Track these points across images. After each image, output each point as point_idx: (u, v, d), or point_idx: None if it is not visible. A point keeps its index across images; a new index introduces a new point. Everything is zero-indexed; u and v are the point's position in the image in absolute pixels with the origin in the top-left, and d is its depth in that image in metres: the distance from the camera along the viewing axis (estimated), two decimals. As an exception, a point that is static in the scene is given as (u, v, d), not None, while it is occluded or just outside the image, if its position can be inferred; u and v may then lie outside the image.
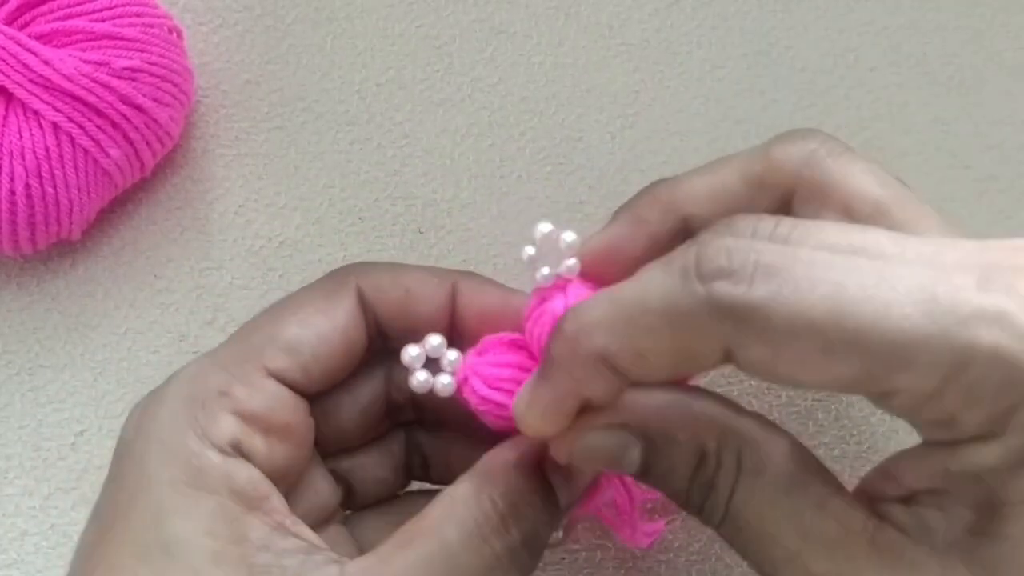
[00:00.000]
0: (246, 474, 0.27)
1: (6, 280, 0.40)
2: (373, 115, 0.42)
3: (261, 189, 0.41)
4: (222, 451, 0.26)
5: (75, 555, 0.28)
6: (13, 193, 0.36)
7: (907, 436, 0.37)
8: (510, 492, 0.27)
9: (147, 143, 0.39)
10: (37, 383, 0.39)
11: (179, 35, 0.41)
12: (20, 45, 0.36)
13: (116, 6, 0.38)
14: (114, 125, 0.37)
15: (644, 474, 0.26)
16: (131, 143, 0.38)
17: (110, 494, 0.27)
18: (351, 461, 0.32)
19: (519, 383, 0.27)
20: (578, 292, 0.28)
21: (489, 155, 0.42)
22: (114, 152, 0.38)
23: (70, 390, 0.39)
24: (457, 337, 0.29)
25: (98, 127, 0.37)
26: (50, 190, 0.37)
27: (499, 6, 0.44)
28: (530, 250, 0.27)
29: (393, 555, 0.26)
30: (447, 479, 0.28)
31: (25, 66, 0.36)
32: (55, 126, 0.36)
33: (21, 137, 0.36)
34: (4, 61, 0.36)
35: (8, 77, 0.36)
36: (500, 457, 0.27)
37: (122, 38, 0.38)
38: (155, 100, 0.38)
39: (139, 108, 0.38)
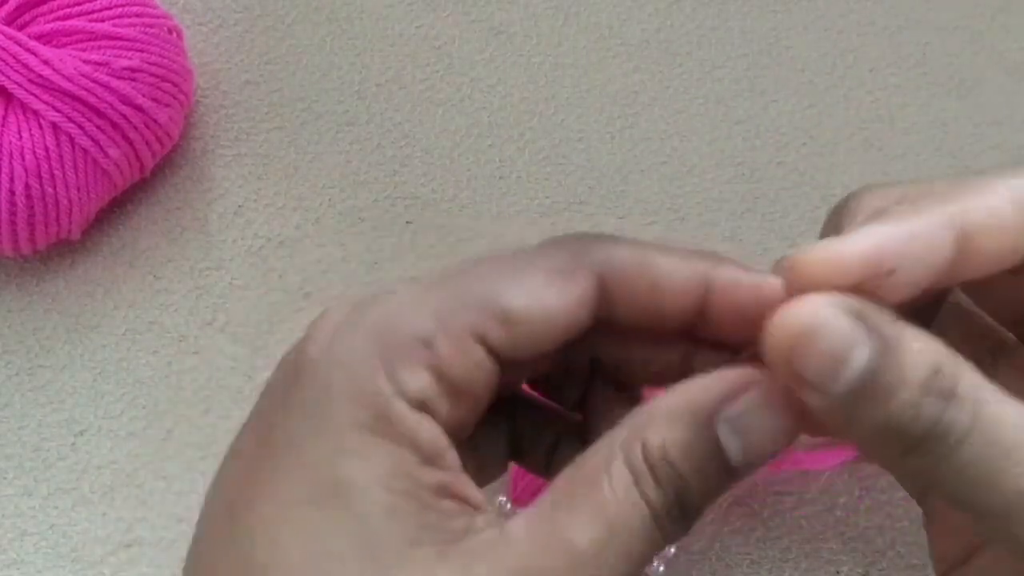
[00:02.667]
0: (429, 430, 0.25)
1: (6, 280, 0.40)
2: (373, 115, 0.42)
3: (261, 189, 0.41)
4: (411, 404, 0.25)
5: (230, 470, 0.26)
6: (13, 193, 0.36)
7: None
8: (664, 443, 0.25)
9: (147, 143, 0.39)
10: (37, 383, 0.39)
11: (179, 35, 0.41)
12: (20, 45, 0.36)
13: (116, 6, 0.38)
14: (114, 125, 0.37)
15: (860, 392, 0.23)
16: (131, 143, 0.38)
17: (281, 414, 0.25)
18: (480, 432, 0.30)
19: None
20: None
21: (489, 155, 0.42)
22: (114, 152, 0.38)
23: (70, 390, 0.39)
24: (702, 328, 0.27)
25: (98, 127, 0.37)
26: (50, 190, 0.37)
27: (499, 6, 0.44)
28: None
29: (554, 510, 0.24)
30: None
31: (25, 66, 0.36)
32: (55, 126, 0.36)
33: (21, 137, 0.36)
34: (4, 61, 0.36)
35: (8, 77, 0.36)
36: (659, 404, 0.25)
37: (122, 38, 0.38)
38: (155, 100, 0.38)
39: (139, 108, 0.38)
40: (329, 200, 0.41)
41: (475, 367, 0.25)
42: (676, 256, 0.27)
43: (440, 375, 0.25)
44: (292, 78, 0.43)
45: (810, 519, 0.37)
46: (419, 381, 0.25)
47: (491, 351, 0.26)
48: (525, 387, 0.30)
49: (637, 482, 0.24)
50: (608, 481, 0.24)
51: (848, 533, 0.36)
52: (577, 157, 0.42)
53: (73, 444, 0.38)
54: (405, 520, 0.24)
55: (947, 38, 0.43)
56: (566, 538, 0.24)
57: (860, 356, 0.23)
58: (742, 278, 0.27)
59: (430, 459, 0.25)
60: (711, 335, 0.27)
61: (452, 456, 0.25)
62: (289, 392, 0.26)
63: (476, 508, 0.25)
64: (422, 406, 0.25)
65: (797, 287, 0.25)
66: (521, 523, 0.25)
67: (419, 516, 0.24)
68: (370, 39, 0.44)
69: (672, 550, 0.35)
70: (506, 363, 0.26)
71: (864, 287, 0.24)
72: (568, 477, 0.25)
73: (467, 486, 0.26)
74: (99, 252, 0.40)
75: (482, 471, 0.30)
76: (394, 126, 0.42)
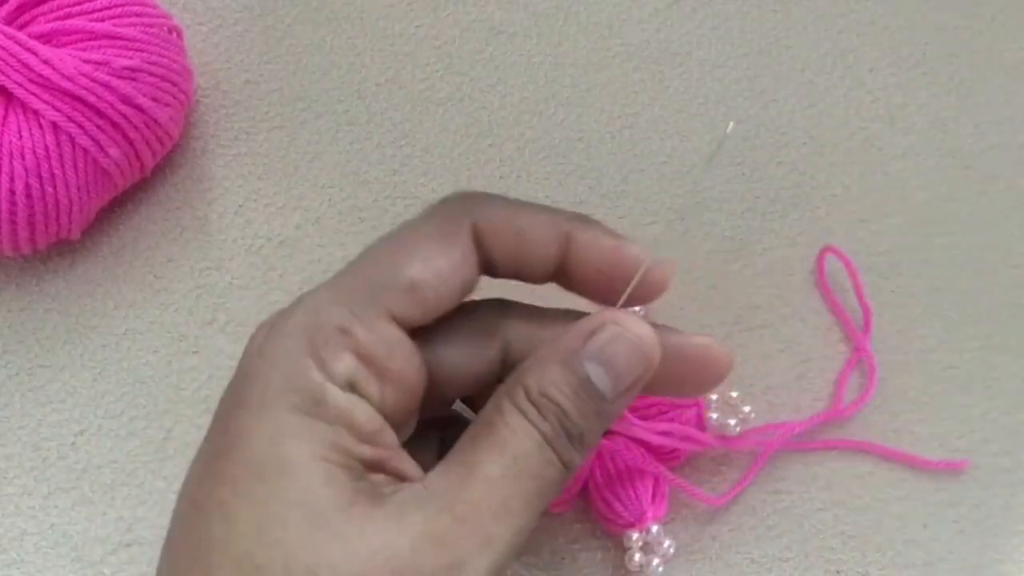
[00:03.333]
0: (363, 409, 0.28)
1: (6, 280, 0.40)
2: (373, 115, 0.42)
3: (261, 189, 0.41)
4: (341, 387, 0.28)
5: (196, 464, 0.29)
6: (13, 193, 0.36)
7: (908, 435, 0.37)
8: (539, 383, 0.29)
9: (147, 143, 0.39)
10: (37, 383, 0.39)
11: (179, 35, 0.41)
12: (20, 45, 0.36)
13: (116, 6, 0.38)
14: (114, 125, 0.37)
15: None
16: (131, 143, 0.38)
17: (232, 413, 0.28)
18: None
19: None
20: None
21: (489, 155, 0.42)
22: (114, 152, 0.38)
23: (70, 390, 0.39)
24: (567, 280, 0.31)
25: (98, 127, 0.37)
26: (50, 190, 0.37)
27: (499, 6, 0.44)
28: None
29: (463, 454, 0.28)
30: None
31: (25, 66, 0.36)
32: (55, 126, 0.36)
33: (21, 137, 0.36)
34: (4, 61, 0.36)
35: (8, 77, 0.36)
36: (537, 354, 0.29)
37: (122, 38, 0.38)
38: (155, 100, 0.38)
39: (139, 108, 0.38)
40: (329, 200, 0.41)
41: (394, 344, 0.29)
42: (542, 211, 0.30)
43: (363, 356, 0.29)
44: (292, 78, 0.43)
45: (810, 519, 0.37)
46: (344, 365, 0.28)
47: (404, 325, 0.29)
48: (457, 407, 0.34)
49: (526, 417, 0.28)
50: (501, 420, 0.28)
51: (848, 533, 0.36)
52: (577, 157, 0.42)
53: (73, 444, 0.38)
54: (342, 486, 0.27)
55: (947, 38, 0.43)
56: (480, 471, 0.28)
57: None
58: (603, 238, 0.30)
59: (366, 437, 0.28)
60: (575, 287, 0.31)
61: (389, 434, 0.29)
62: (236, 397, 0.29)
63: (413, 480, 0.29)
64: (352, 387, 0.28)
65: None
66: (439, 472, 0.28)
67: (355, 483, 0.27)
68: (370, 39, 0.44)
69: (672, 549, 0.35)
70: (422, 325, 0.30)
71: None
72: (470, 430, 0.29)
73: (404, 462, 0.29)
74: (99, 252, 0.40)
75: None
76: (394, 126, 0.42)
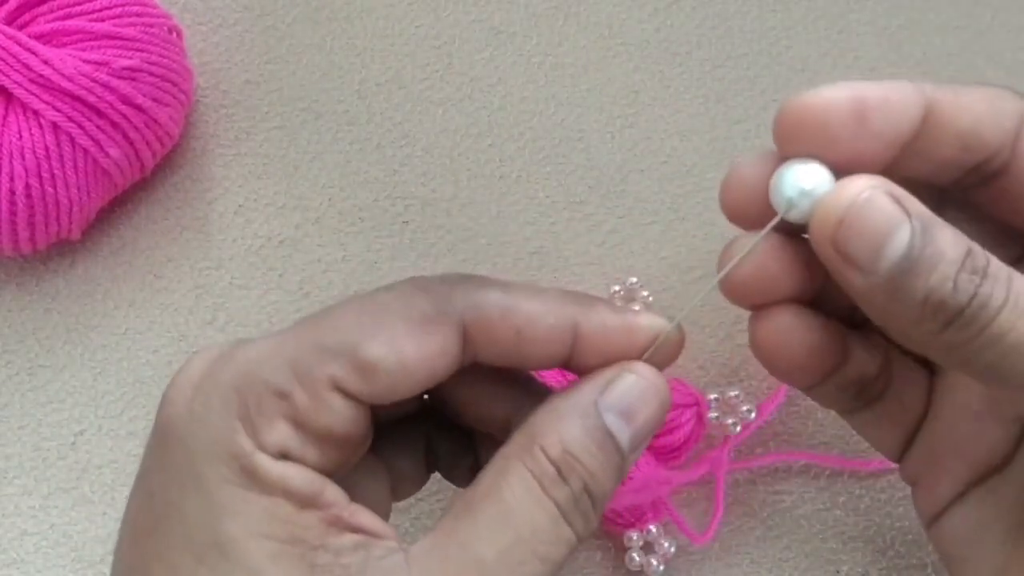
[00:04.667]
0: (299, 475, 0.25)
1: (6, 280, 0.40)
2: (373, 115, 0.42)
3: (261, 189, 0.41)
4: (273, 456, 0.25)
5: (125, 536, 0.27)
6: (13, 193, 0.36)
7: (907, 436, 0.37)
8: (562, 441, 0.25)
9: (147, 143, 0.39)
10: (37, 383, 0.39)
11: (179, 35, 0.41)
12: (20, 45, 0.36)
13: (116, 6, 0.38)
14: (114, 125, 0.37)
15: (903, 268, 0.24)
16: (131, 143, 0.38)
17: (156, 480, 0.26)
18: (389, 450, 0.30)
19: None
20: None
21: (489, 155, 0.42)
22: (114, 152, 0.38)
23: (70, 390, 0.39)
24: (574, 367, 0.27)
25: (98, 127, 0.37)
26: (50, 190, 0.37)
27: (499, 6, 0.44)
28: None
29: (456, 526, 0.25)
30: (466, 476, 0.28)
31: (25, 66, 0.36)
32: (55, 126, 0.36)
33: (21, 137, 0.36)
34: (4, 61, 0.36)
35: (8, 77, 0.36)
36: (548, 408, 0.26)
37: (122, 38, 0.38)
38: (155, 100, 0.38)
39: (139, 108, 0.38)
40: (329, 200, 0.41)
41: (335, 414, 0.25)
42: (543, 302, 0.27)
43: (299, 424, 0.25)
44: (292, 78, 0.43)
45: (810, 519, 0.37)
46: (278, 434, 0.25)
47: (350, 397, 0.26)
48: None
49: (541, 483, 0.25)
50: (509, 488, 0.25)
51: (848, 533, 0.36)
52: (577, 157, 0.42)
53: (73, 444, 0.38)
54: (293, 564, 0.24)
55: (947, 38, 0.43)
56: (473, 552, 0.24)
57: (903, 235, 0.24)
58: (610, 323, 0.27)
59: (307, 502, 0.25)
60: (582, 371, 0.27)
61: (332, 492, 0.25)
62: (161, 454, 0.26)
63: (376, 536, 0.25)
64: (285, 456, 0.25)
65: (787, 135, 0.26)
66: (425, 545, 0.25)
67: (308, 557, 0.24)
68: (370, 39, 0.44)
69: (672, 549, 0.35)
70: (372, 405, 0.26)
71: (843, 141, 0.26)
72: (466, 494, 0.25)
73: (359, 516, 0.25)
74: (99, 252, 0.40)
75: (398, 485, 0.30)
76: (394, 126, 0.42)
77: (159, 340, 0.39)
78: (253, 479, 0.25)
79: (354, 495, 0.26)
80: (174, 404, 0.26)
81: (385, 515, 0.30)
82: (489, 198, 0.41)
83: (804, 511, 0.37)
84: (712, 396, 0.36)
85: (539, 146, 0.42)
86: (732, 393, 0.37)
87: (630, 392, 0.26)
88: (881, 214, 0.24)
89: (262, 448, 0.25)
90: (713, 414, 0.36)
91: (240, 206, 0.41)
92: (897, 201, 0.25)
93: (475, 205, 0.41)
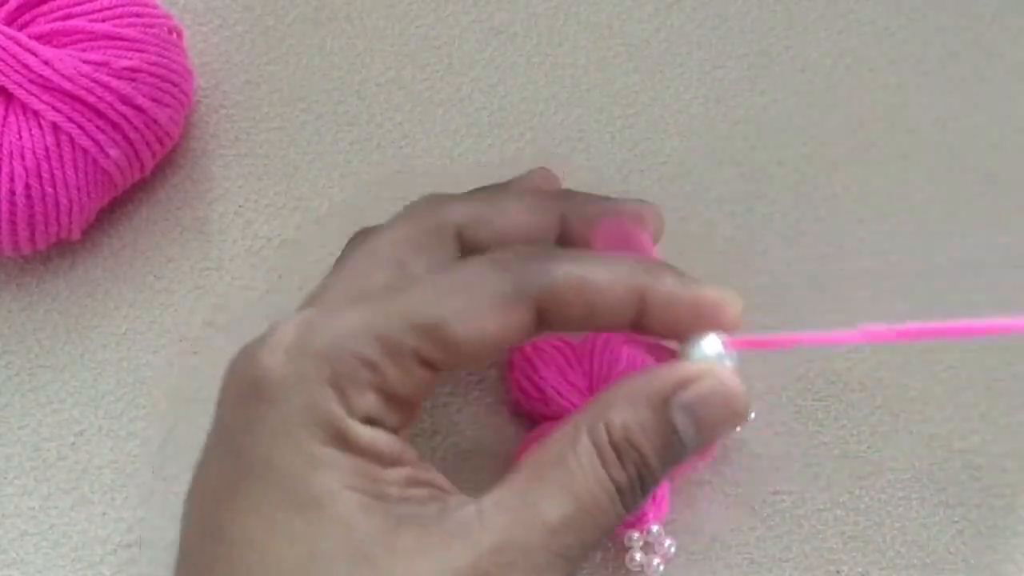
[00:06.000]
0: (385, 440, 0.27)
1: (6, 280, 0.40)
2: (373, 115, 0.42)
3: (261, 189, 0.41)
4: (362, 422, 0.27)
5: (205, 496, 0.28)
6: (13, 193, 0.36)
7: (906, 435, 0.37)
8: (625, 426, 0.27)
9: (147, 143, 0.39)
10: (37, 383, 0.39)
11: (179, 35, 0.41)
12: (20, 45, 0.36)
13: (116, 6, 0.38)
14: (114, 125, 0.37)
15: None
16: (131, 143, 0.38)
17: (250, 439, 0.27)
18: None
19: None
20: None
21: (489, 155, 0.42)
22: (114, 152, 0.38)
23: (70, 390, 0.39)
24: (639, 330, 0.29)
25: (98, 127, 0.37)
26: (50, 190, 0.37)
27: (499, 6, 0.44)
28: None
29: (527, 487, 0.27)
30: None
31: (25, 66, 0.36)
32: (55, 126, 0.36)
33: (21, 137, 0.36)
34: (4, 61, 0.36)
35: (8, 77, 0.36)
36: (625, 387, 0.28)
37: (122, 38, 0.38)
38: (155, 100, 0.38)
39: (139, 108, 0.38)
40: (329, 200, 0.41)
41: (417, 383, 0.28)
42: (613, 273, 0.28)
43: (386, 394, 0.27)
44: (292, 78, 0.43)
45: (810, 519, 0.37)
46: (367, 402, 0.27)
47: (430, 367, 0.28)
48: None
49: (603, 462, 0.27)
50: (575, 458, 0.27)
51: (848, 533, 0.36)
52: (577, 157, 0.42)
53: (73, 444, 0.38)
54: (381, 515, 0.26)
55: (947, 38, 0.43)
56: (539, 513, 0.26)
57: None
58: (678, 294, 0.29)
59: (391, 462, 0.27)
60: (647, 335, 0.30)
61: (410, 453, 0.28)
62: (251, 416, 0.27)
63: (445, 491, 0.28)
64: (372, 422, 0.27)
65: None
66: (495, 499, 0.27)
67: (394, 509, 0.26)
68: (370, 39, 0.44)
69: (672, 549, 0.35)
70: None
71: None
72: (536, 455, 0.27)
73: (431, 473, 0.28)
74: (99, 252, 0.40)
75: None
76: (394, 126, 0.42)
77: (159, 340, 0.39)
78: (344, 442, 0.27)
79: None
80: (267, 368, 0.27)
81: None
82: (489, 198, 0.41)
83: (804, 511, 0.37)
84: None
85: (539, 146, 0.42)
86: None
87: (708, 399, 0.28)
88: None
89: (352, 414, 0.27)
90: None
91: (240, 207, 0.41)
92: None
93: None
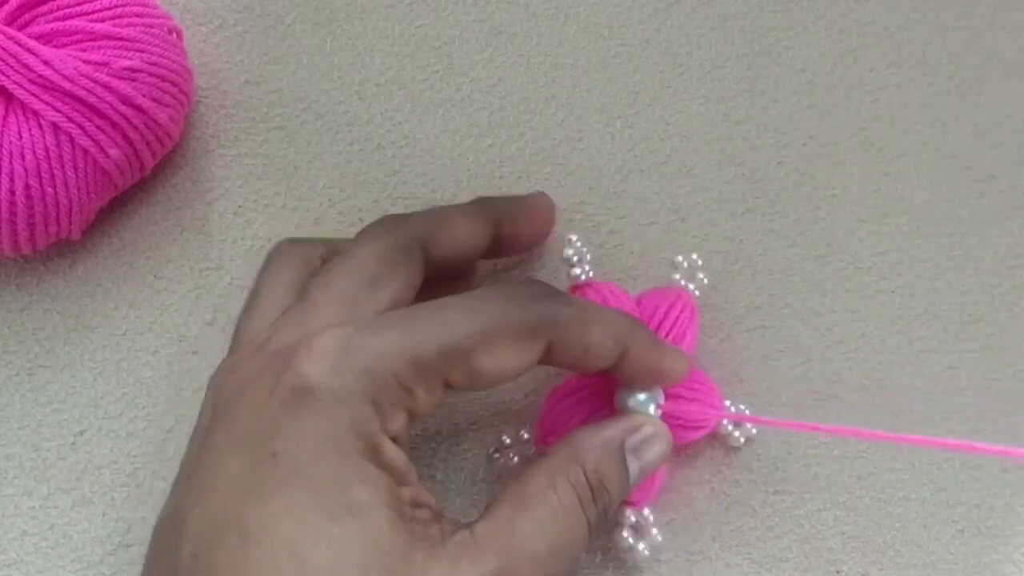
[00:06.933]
0: (401, 457, 0.29)
1: (6, 280, 0.40)
2: (373, 115, 0.42)
3: (261, 189, 0.41)
4: (392, 438, 0.29)
5: (229, 495, 0.28)
6: (13, 193, 0.36)
7: (906, 435, 0.37)
8: (599, 468, 0.31)
9: (147, 143, 0.39)
10: (37, 383, 0.39)
11: (179, 35, 0.41)
12: (20, 45, 0.36)
13: (116, 6, 0.38)
14: (114, 125, 0.37)
15: None
16: (131, 143, 0.38)
17: (291, 443, 0.28)
18: None
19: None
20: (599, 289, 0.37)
21: (489, 155, 0.42)
22: (114, 152, 0.38)
23: (70, 391, 0.39)
24: (608, 373, 0.33)
25: (98, 127, 0.37)
26: (50, 190, 0.37)
27: (499, 6, 0.44)
28: (567, 252, 0.37)
29: (514, 518, 0.30)
30: None
31: (25, 66, 0.36)
32: (55, 126, 0.36)
33: (21, 137, 0.36)
34: (4, 61, 0.36)
35: (8, 77, 0.36)
36: (590, 436, 0.32)
37: (122, 38, 0.38)
38: (155, 100, 0.38)
39: (139, 108, 0.38)
40: (329, 200, 0.41)
41: (435, 403, 0.30)
42: (608, 325, 0.32)
43: (413, 414, 0.30)
44: (292, 78, 0.43)
45: (810, 519, 0.37)
46: (399, 421, 0.30)
47: (450, 387, 0.31)
48: None
49: (581, 500, 0.31)
50: (558, 497, 0.30)
51: (848, 533, 0.36)
52: (577, 157, 0.42)
53: (73, 444, 0.38)
54: (402, 533, 0.28)
55: (947, 38, 0.43)
56: (529, 544, 0.29)
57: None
58: (647, 355, 0.33)
59: (403, 479, 0.29)
60: (615, 375, 0.34)
61: (413, 472, 0.30)
62: (295, 420, 0.28)
63: (438, 514, 0.30)
64: (396, 438, 0.29)
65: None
66: (486, 528, 0.30)
67: (408, 528, 0.28)
68: (370, 39, 0.44)
69: (659, 538, 0.34)
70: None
71: None
72: (515, 494, 0.31)
73: (426, 495, 0.30)
74: (99, 252, 0.40)
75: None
76: (394, 126, 0.42)
77: (159, 340, 0.39)
78: (379, 458, 0.29)
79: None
80: (312, 377, 0.29)
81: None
82: (489, 198, 0.41)
83: (804, 511, 0.37)
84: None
85: (539, 146, 0.42)
86: (726, 402, 0.37)
87: (649, 440, 0.33)
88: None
89: (386, 431, 0.29)
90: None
91: (240, 207, 0.41)
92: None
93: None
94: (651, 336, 0.34)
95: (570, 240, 0.38)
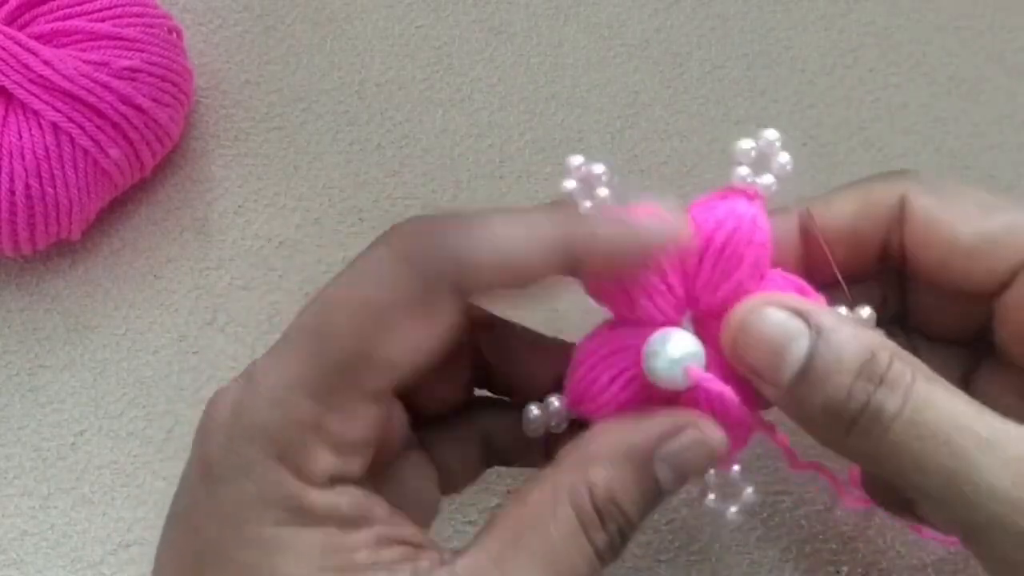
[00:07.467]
0: (346, 501, 0.25)
1: (6, 280, 0.40)
2: (373, 115, 0.42)
3: (261, 189, 0.41)
4: (321, 486, 0.25)
5: (168, 568, 0.26)
6: (13, 193, 0.36)
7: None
8: (612, 486, 0.26)
9: (147, 143, 0.39)
10: (37, 384, 0.39)
11: (179, 35, 0.41)
12: (20, 45, 0.36)
13: (116, 6, 0.38)
14: (114, 125, 0.37)
15: (801, 378, 0.25)
16: (131, 143, 0.38)
17: (207, 522, 0.26)
18: (439, 446, 0.31)
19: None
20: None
21: (489, 155, 0.42)
22: (114, 152, 0.38)
23: (70, 391, 0.39)
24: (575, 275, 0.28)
25: (98, 127, 0.37)
26: (50, 190, 0.37)
27: (499, 6, 0.44)
28: (569, 184, 0.30)
29: (503, 553, 0.25)
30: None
31: (25, 66, 0.36)
32: (55, 126, 0.36)
33: (21, 137, 0.36)
34: (4, 61, 0.36)
35: (8, 77, 0.36)
36: (609, 438, 0.27)
37: (122, 38, 0.38)
38: (155, 100, 0.38)
39: (139, 108, 0.38)
40: (329, 200, 0.41)
41: (373, 423, 0.26)
42: (527, 230, 0.26)
43: (340, 446, 0.25)
44: (292, 78, 0.43)
45: (810, 519, 0.37)
46: (321, 463, 0.25)
47: (376, 399, 0.26)
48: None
49: (585, 528, 0.26)
50: (555, 526, 0.25)
51: (848, 533, 0.36)
52: (577, 157, 0.42)
53: (73, 444, 0.38)
54: None
55: (947, 38, 0.43)
56: None
57: (799, 346, 0.25)
58: (602, 234, 0.27)
59: (356, 523, 0.25)
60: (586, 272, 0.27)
61: (378, 509, 0.26)
62: (206, 497, 0.26)
63: (417, 546, 0.26)
64: (333, 480, 0.25)
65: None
66: (470, 564, 0.25)
67: None
68: (370, 39, 0.44)
69: (753, 497, 0.30)
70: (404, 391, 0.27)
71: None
72: (513, 517, 0.26)
73: (402, 528, 0.26)
74: (99, 252, 0.40)
75: (448, 479, 0.31)
76: (394, 126, 0.42)
77: (159, 340, 0.39)
78: (304, 516, 0.25)
79: (400, 490, 0.27)
80: (211, 452, 0.26)
81: (433, 508, 0.30)
82: (489, 198, 0.41)
83: (804, 511, 0.37)
84: None
85: (539, 146, 0.42)
86: None
87: (689, 451, 0.27)
88: (775, 328, 0.25)
89: (309, 482, 0.25)
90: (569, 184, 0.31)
91: (240, 206, 0.41)
92: (797, 314, 0.25)
93: (475, 205, 0.41)
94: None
95: (572, 166, 0.30)
